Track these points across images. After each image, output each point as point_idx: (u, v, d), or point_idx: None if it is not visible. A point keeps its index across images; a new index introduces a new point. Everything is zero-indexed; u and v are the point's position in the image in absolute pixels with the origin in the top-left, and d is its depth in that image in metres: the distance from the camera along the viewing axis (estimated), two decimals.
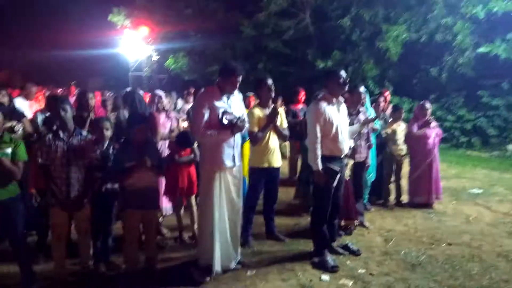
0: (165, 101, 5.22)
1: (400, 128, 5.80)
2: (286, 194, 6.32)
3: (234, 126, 3.37)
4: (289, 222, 5.06)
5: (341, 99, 3.93)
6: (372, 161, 5.41)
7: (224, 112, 3.38)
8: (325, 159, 3.75)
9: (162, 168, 3.53)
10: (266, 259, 3.94)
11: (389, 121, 5.90)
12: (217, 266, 3.43)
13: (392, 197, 5.94)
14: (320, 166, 3.70)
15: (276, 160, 4.23)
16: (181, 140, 4.27)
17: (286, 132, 4.33)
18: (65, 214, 3.26)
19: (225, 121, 3.35)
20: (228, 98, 3.49)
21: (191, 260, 3.79)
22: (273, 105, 4.17)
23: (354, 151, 4.37)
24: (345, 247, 4.14)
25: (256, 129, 4.08)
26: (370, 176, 5.47)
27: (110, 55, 24.30)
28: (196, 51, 19.59)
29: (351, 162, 4.39)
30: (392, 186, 5.95)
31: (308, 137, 3.86)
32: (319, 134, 3.72)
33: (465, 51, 11.58)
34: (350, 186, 4.47)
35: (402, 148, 5.79)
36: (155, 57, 23.83)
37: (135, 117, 3.63)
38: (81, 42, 23.27)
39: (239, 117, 3.43)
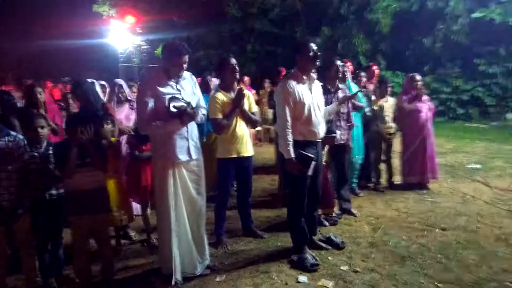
0: (127, 90, 4.75)
1: (388, 104, 5.34)
2: (271, 182, 5.93)
3: (183, 114, 2.91)
4: (271, 214, 4.65)
5: (313, 75, 3.46)
6: (357, 142, 4.98)
7: (172, 99, 2.92)
8: (298, 145, 3.31)
9: (104, 166, 3.07)
10: (239, 261, 3.53)
11: (375, 97, 5.43)
12: (178, 274, 3.03)
13: (383, 179, 5.52)
14: (292, 154, 3.26)
15: (246, 149, 3.78)
16: (141, 134, 3.82)
17: (256, 117, 3.87)
18: None
19: (172, 109, 2.89)
20: (177, 82, 3.03)
21: (155, 267, 3.39)
22: (238, 87, 3.70)
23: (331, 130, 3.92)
24: (328, 240, 3.73)
25: (219, 116, 3.63)
26: (357, 158, 5.04)
27: (98, 46, 23.69)
28: (182, 38, 19.10)
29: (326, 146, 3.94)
30: (383, 167, 5.54)
31: (277, 121, 3.41)
32: (289, 118, 3.27)
33: (458, 17, 11.02)
34: (326, 171, 4.03)
35: (391, 125, 5.34)
36: (145, 47, 23.28)
37: (72, 118, 3.16)
38: (68, 34, 22.62)
39: (189, 103, 2.97)
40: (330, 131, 3.90)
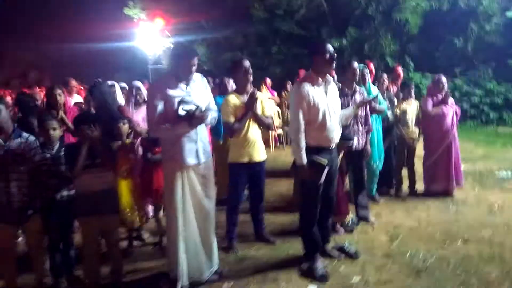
0: (145, 92, 4.78)
1: (411, 108, 5.13)
2: (289, 187, 5.82)
3: (192, 117, 2.87)
4: (285, 219, 4.55)
5: (329, 78, 3.34)
6: (378, 147, 4.80)
7: (181, 102, 2.89)
8: (311, 150, 3.20)
9: (114, 167, 3.08)
10: (249, 267, 3.47)
11: (398, 100, 5.23)
12: (184, 279, 2.99)
13: (405, 186, 5.31)
14: (304, 160, 3.16)
15: (258, 153, 3.71)
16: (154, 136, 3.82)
17: (269, 121, 3.79)
18: (8, 228, 2.90)
19: (181, 112, 2.86)
20: (187, 85, 3.00)
21: (165, 271, 3.36)
22: (251, 90, 3.64)
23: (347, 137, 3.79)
24: (341, 249, 3.61)
25: (232, 119, 3.58)
26: (377, 164, 4.86)
27: (128, 48, 24.25)
28: (210, 40, 19.32)
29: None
30: (404, 174, 5.32)
31: (290, 125, 3.32)
32: (302, 122, 3.16)
33: (492, 17, 10.53)
34: (340, 177, 3.90)
35: (414, 130, 5.12)
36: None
37: (80, 117, 3.19)
38: (99, 37, 23.32)
39: (198, 106, 2.93)
40: (346, 137, 3.77)
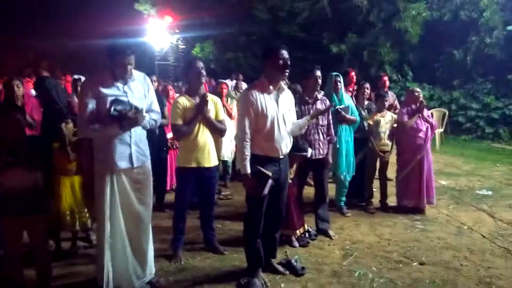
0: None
1: (385, 120, 4.93)
2: None
3: (123, 119, 2.72)
4: None
5: (283, 85, 3.17)
6: (345, 157, 4.62)
7: (115, 101, 2.74)
8: (257, 160, 3.04)
9: (39, 166, 2.92)
10: (187, 278, 3.30)
11: (372, 111, 5.04)
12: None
13: (375, 200, 5.11)
14: (248, 169, 3.00)
15: (208, 159, 3.54)
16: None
17: (223, 126, 3.63)
18: None
19: (114, 112, 2.71)
20: (125, 84, 2.85)
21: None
22: (203, 93, 3.48)
23: (301, 148, 3.62)
24: (288, 264, 3.43)
25: (180, 122, 3.43)
26: (344, 175, 4.68)
27: (137, 44, 24.30)
28: (216, 39, 19.29)
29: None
30: (376, 187, 5.14)
31: (236, 133, 3.16)
32: (247, 130, 3.00)
33: (493, 30, 10.22)
34: (292, 189, 3.73)
35: (387, 142, 4.93)
36: (181, 46, 23.65)
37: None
38: (109, 32, 23.38)
39: (132, 107, 2.77)
40: (300, 148, 3.61)
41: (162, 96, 4.92)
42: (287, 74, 3.08)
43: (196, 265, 3.53)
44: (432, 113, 5.03)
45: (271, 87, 3.08)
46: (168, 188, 5.27)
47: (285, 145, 3.12)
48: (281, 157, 3.11)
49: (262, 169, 3.02)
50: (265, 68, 3.11)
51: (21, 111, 3.10)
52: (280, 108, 3.10)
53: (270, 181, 3.03)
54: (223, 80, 6.14)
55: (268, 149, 3.06)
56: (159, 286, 3.14)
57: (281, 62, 3.02)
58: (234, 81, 8.71)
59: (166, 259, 3.58)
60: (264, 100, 3.04)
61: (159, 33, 22.69)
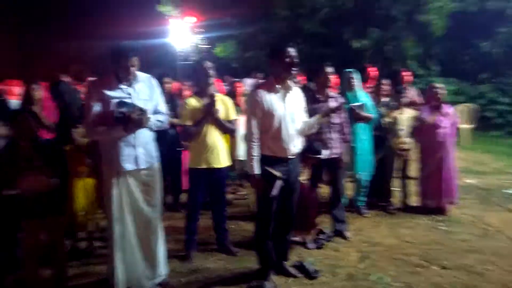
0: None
1: (404, 116, 4.75)
2: None
3: (128, 121, 2.70)
4: None
5: (291, 84, 3.08)
6: (362, 156, 4.48)
7: (119, 103, 2.73)
8: (265, 160, 2.97)
9: (54, 170, 2.95)
10: (199, 280, 3.27)
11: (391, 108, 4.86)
12: None
13: (396, 200, 4.94)
14: (256, 170, 2.93)
15: (218, 160, 3.49)
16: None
17: (232, 126, 3.57)
18: None
19: (118, 114, 2.69)
20: (130, 85, 2.83)
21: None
22: (211, 93, 3.43)
23: (315, 150, 3.52)
24: (301, 267, 3.34)
25: (188, 123, 3.39)
26: (361, 175, 4.54)
27: (160, 45, 24.67)
28: (237, 38, 19.33)
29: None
30: (397, 186, 4.95)
31: (244, 133, 3.10)
32: (255, 130, 2.94)
33: None
34: (307, 191, 3.63)
35: (406, 140, 4.74)
36: (203, 46, 23.85)
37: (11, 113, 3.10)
38: (135, 33, 23.77)
39: (136, 108, 2.74)
40: (314, 150, 3.50)
41: (175, 96, 4.90)
42: (294, 72, 2.98)
43: (208, 267, 3.49)
44: (455, 109, 4.80)
45: (278, 86, 3.00)
46: (183, 188, 5.25)
47: (294, 145, 3.03)
48: (289, 157, 3.03)
49: (270, 170, 2.95)
50: (272, 67, 3.04)
51: (33, 116, 3.14)
52: (288, 107, 3.02)
53: (278, 182, 2.95)
54: (237, 79, 6.09)
55: (276, 149, 2.99)
56: (169, 287, 3.12)
57: (287, 60, 2.93)
58: (254, 80, 8.68)
59: (179, 260, 3.56)
60: (271, 100, 2.96)
61: (182, 34, 22.90)
